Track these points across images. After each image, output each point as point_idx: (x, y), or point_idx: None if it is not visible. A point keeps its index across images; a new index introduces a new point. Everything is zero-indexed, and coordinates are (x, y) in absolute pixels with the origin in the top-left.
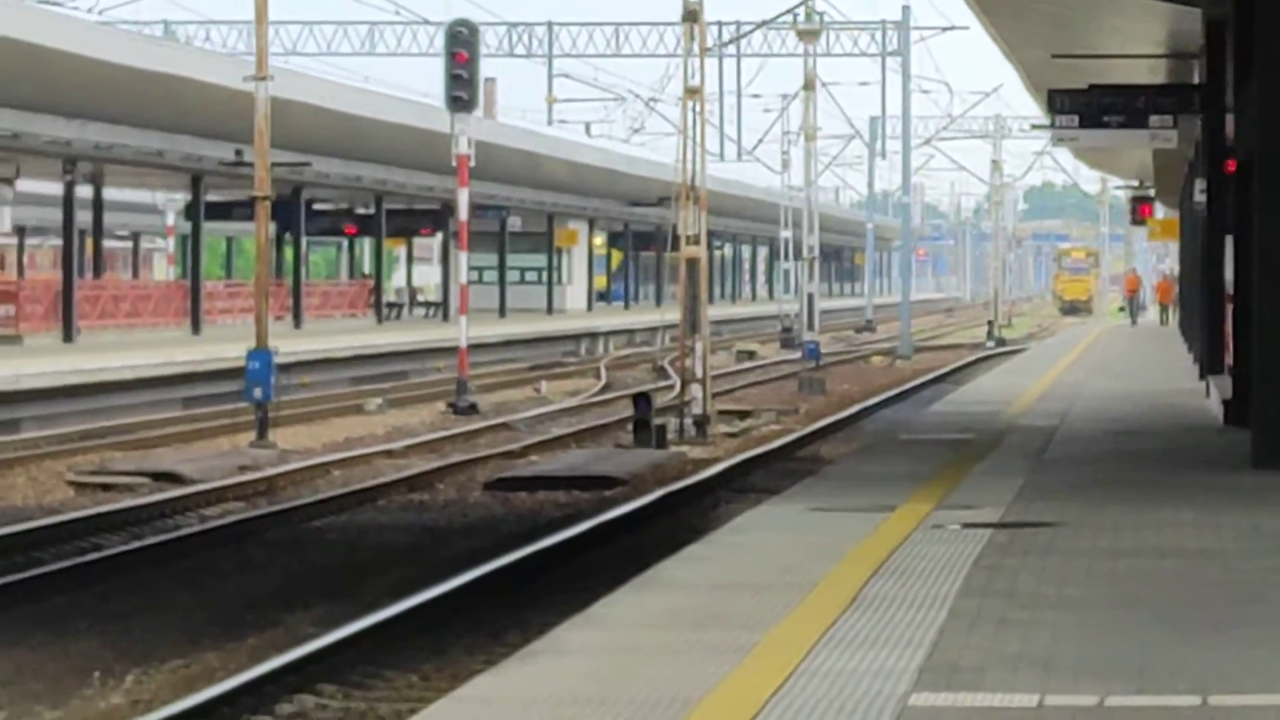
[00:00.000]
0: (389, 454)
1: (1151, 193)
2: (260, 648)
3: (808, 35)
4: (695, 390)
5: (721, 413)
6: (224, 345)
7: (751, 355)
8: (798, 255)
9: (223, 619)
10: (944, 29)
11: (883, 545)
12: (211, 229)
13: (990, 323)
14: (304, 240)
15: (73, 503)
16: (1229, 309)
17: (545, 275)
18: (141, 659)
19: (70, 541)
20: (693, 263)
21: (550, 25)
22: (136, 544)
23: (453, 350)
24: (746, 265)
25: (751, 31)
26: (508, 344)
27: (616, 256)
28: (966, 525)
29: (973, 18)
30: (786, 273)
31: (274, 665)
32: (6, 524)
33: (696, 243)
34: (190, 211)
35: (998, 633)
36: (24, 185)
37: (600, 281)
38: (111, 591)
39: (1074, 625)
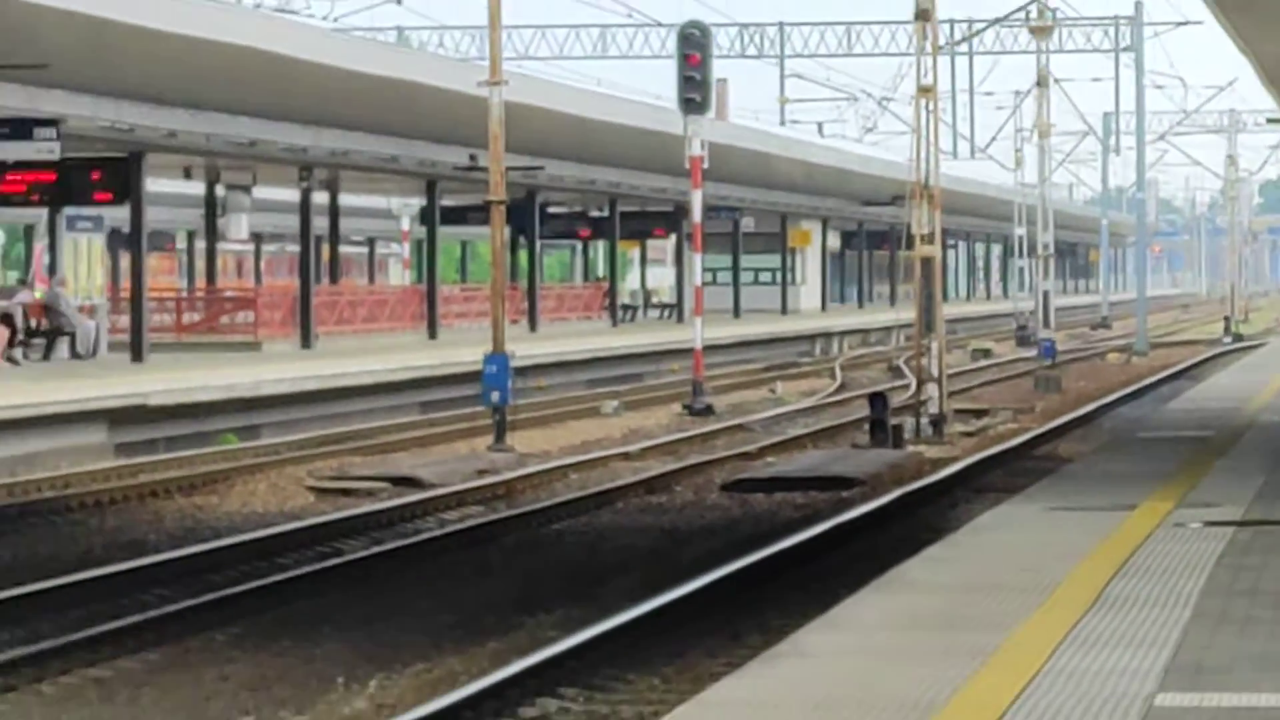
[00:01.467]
0: (626, 456)
1: None
2: (502, 651)
3: (1040, 32)
4: (931, 389)
5: (958, 412)
6: (460, 349)
7: (987, 354)
8: (1032, 252)
9: (464, 623)
10: (1178, 24)
11: (1124, 544)
12: (446, 233)
13: (1227, 318)
14: (538, 243)
15: (313, 508)
16: None
17: (779, 276)
18: (384, 663)
19: (312, 546)
20: (927, 261)
21: (781, 26)
22: (377, 548)
23: (688, 352)
24: (980, 263)
25: (984, 29)
26: (742, 345)
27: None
28: (1208, 524)
29: (1206, 12)
30: (1021, 270)
31: (516, 669)
32: (250, 529)
33: (931, 241)
34: (425, 216)
35: (1243, 632)
36: (260, 192)
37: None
38: (353, 596)
39: None
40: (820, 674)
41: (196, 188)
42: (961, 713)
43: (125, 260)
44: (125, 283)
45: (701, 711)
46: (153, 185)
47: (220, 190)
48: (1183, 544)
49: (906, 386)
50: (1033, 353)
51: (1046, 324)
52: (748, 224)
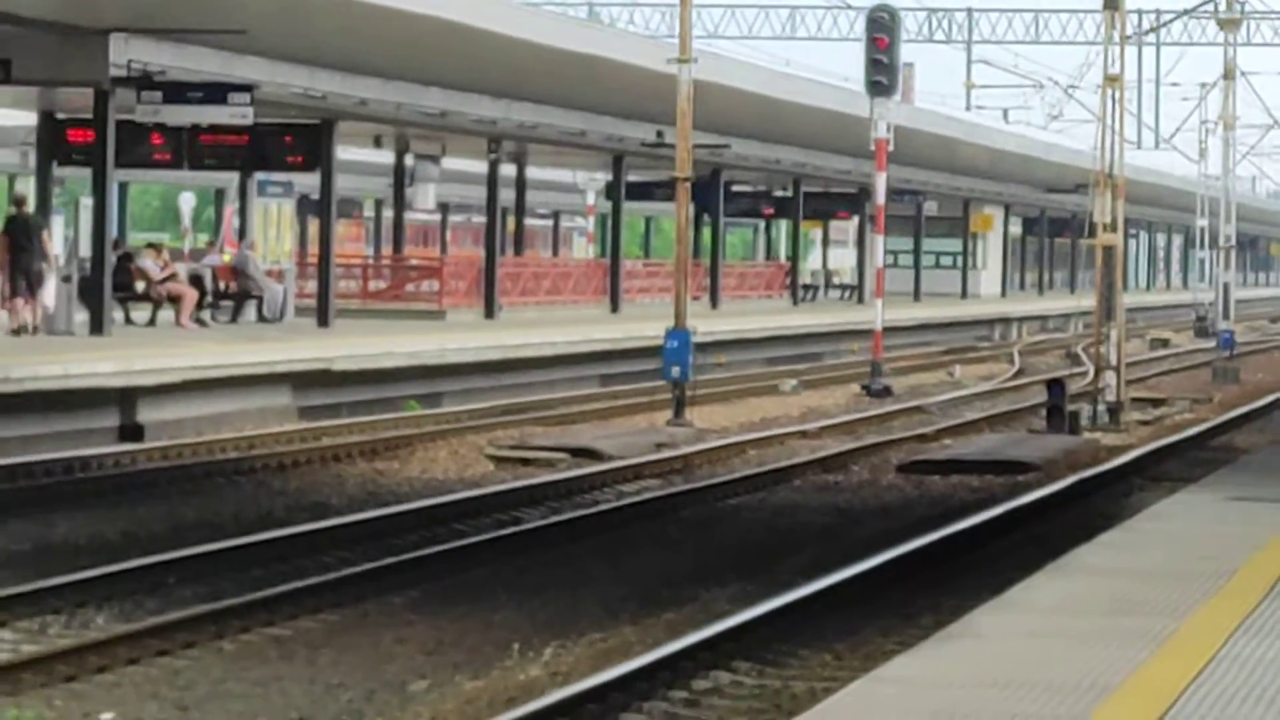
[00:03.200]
0: (803, 434)
1: None
2: (677, 623)
3: (1229, 24)
4: (1109, 377)
5: (1135, 400)
6: (642, 324)
7: (1165, 343)
8: (1213, 244)
9: (640, 594)
10: None
11: None
12: (631, 209)
13: None
14: (722, 221)
15: (492, 476)
16: None
17: (960, 260)
18: (560, 631)
19: (490, 514)
20: (1109, 250)
21: (970, 11)
22: (555, 518)
23: (867, 333)
24: (1161, 253)
25: (1172, 20)
26: (922, 327)
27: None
28: None
29: None
30: (1201, 261)
31: (690, 641)
32: (429, 495)
33: (1113, 230)
34: (611, 191)
35: None
36: (448, 163)
37: None
38: (530, 565)
39: None
40: (994, 654)
41: (386, 156)
42: (1134, 696)
43: (313, 226)
44: (313, 248)
45: (874, 688)
46: (343, 153)
47: (409, 160)
48: None
49: (1084, 373)
50: (1211, 344)
51: (1226, 315)
52: (930, 208)
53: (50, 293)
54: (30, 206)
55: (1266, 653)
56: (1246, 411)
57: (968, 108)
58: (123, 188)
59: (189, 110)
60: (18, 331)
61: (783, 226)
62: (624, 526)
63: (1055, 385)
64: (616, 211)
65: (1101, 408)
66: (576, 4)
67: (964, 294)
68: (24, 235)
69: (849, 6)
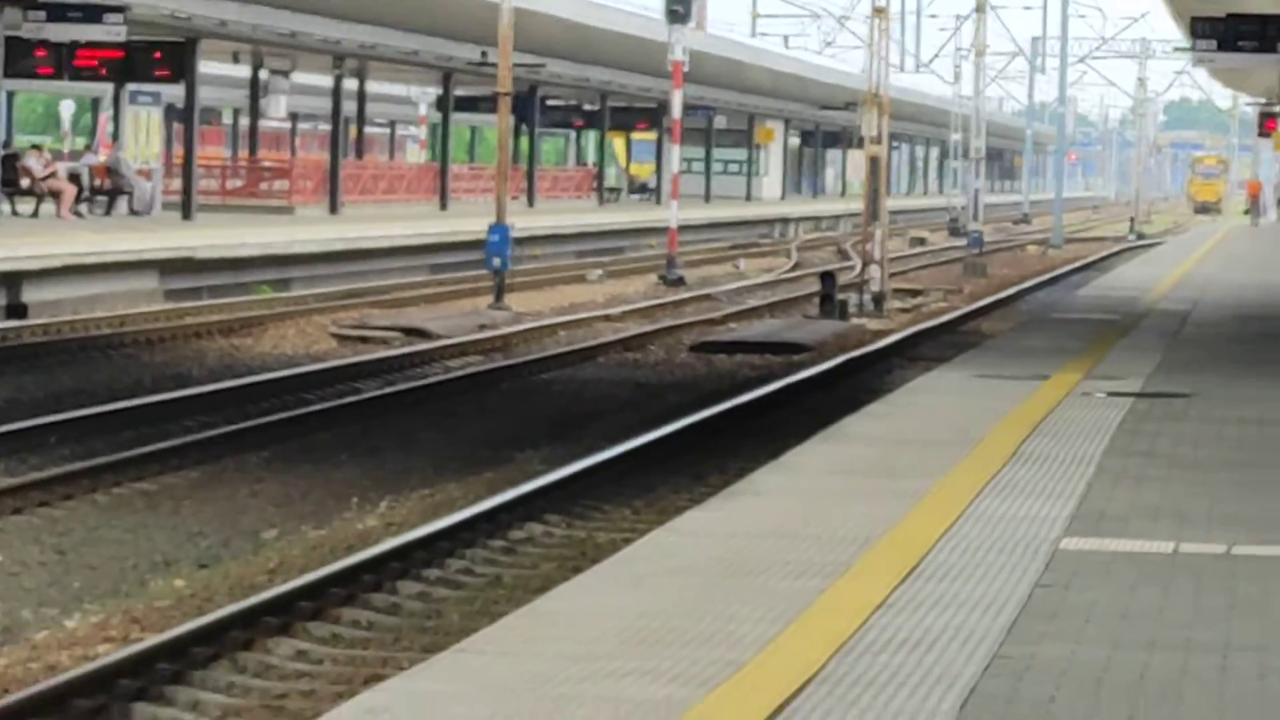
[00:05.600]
0: (607, 318)
1: (1278, 109)
2: (496, 481)
3: None
4: (874, 270)
5: (896, 291)
6: (468, 220)
7: (922, 242)
8: (965, 156)
9: (463, 456)
10: None
11: (1038, 409)
12: (458, 119)
13: (1132, 219)
14: (538, 131)
15: (335, 352)
16: None
17: (745, 168)
18: (393, 488)
19: (333, 385)
20: (875, 160)
21: None
22: (390, 389)
23: (664, 230)
24: (920, 164)
25: None
26: (712, 226)
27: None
28: (1111, 394)
29: None
30: (955, 171)
31: (507, 497)
32: (279, 368)
33: (879, 143)
34: (441, 104)
35: (1138, 488)
36: (298, 77)
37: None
38: (368, 429)
39: (1206, 482)
40: (772, 509)
41: (243, 71)
42: (894, 545)
43: (179, 132)
44: (178, 151)
45: (669, 536)
46: (205, 67)
47: (263, 74)
48: (1088, 410)
49: (852, 267)
50: (963, 242)
51: (975, 218)
52: (720, 122)
53: None
54: None
55: (1008, 510)
56: (992, 301)
57: (753, 34)
58: (10, 96)
59: (69, 28)
60: None
61: (591, 136)
62: (450, 397)
63: (827, 277)
64: (445, 122)
65: (867, 297)
66: None
67: (749, 197)
68: None
69: None
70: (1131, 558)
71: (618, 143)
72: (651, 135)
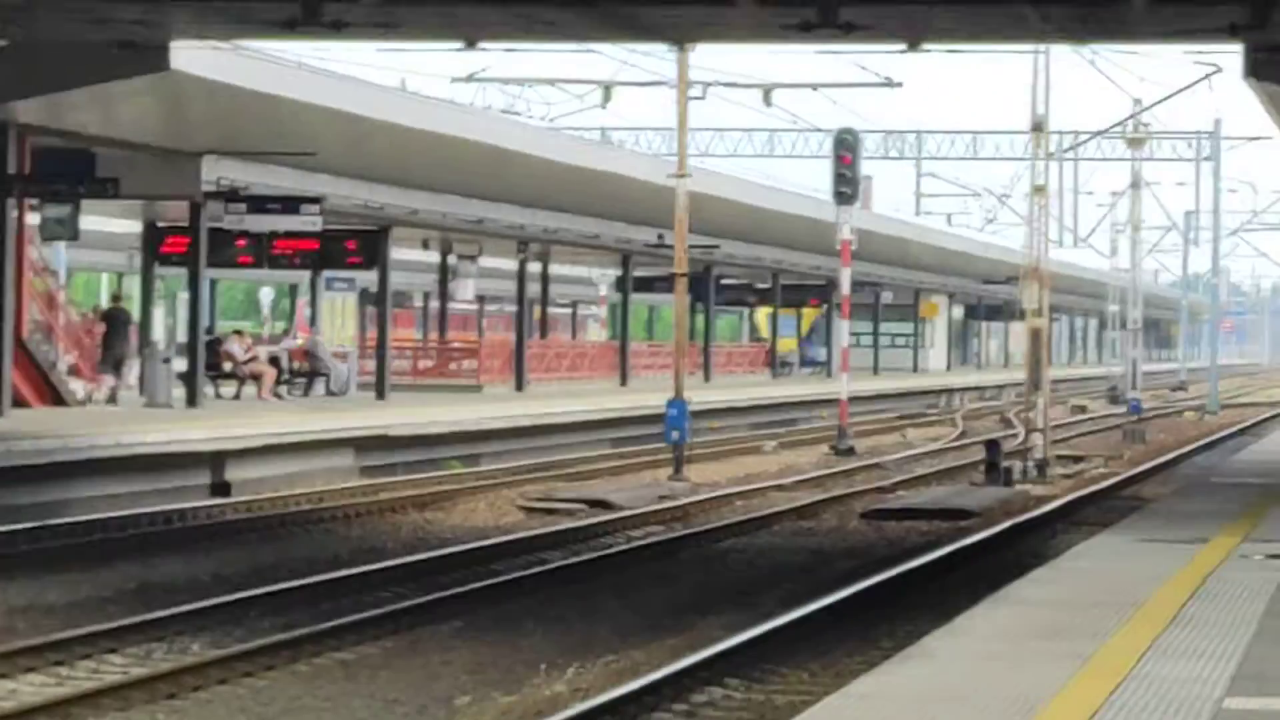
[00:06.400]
0: (781, 488)
1: None
2: (678, 647)
3: (1135, 143)
4: (1036, 438)
5: (1058, 457)
6: (647, 395)
7: (1083, 410)
8: (1123, 326)
9: (646, 623)
10: (1250, 138)
11: (1199, 572)
12: (637, 299)
13: None
14: (713, 309)
15: (523, 524)
16: None
17: (911, 340)
18: (580, 655)
19: (521, 556)
20: (1036, 331)
21: (919, 133)
22: (575, 559)
23: (834, 402)
24: (1079, 334)
25: (1088, 140)
26: (880, 397)
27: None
28: (1270, 556)
29: (1275, 129)
30: (1113, 341)
31: (690, 662)
32: (470, 540)
33: (1039, 315)
34: (620, 284)
35: None
36: (485, 261)
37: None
38: (555, 598)
39: None
40: (944, 672)
41: (433, 256)
42: (1062, 707)
43: (372, 315)
44: (372, 334)
45: (845, 702)
46: (397, 254)
47: (452, 259)
48: (1247, 573)
49: (1016, 435)
50: (1122, 410)
51: (1134, 385)
52: (887, 297)
53: (132, 374)
54: (124, 302)
55: (1171, 672)
56: (1151, 467)
57: (917, 213)
58: (213, 284)
59: (268, 219)
60: (110, 399)
61: (764, 313)
62: (633, 566)
63: (992, 445)
64: (625, 302)
65: (1030, 464)
66: (591, 128)
67: (915, 369)
68: (119, 324)
69: (818, 129)
70: None
71: (759, 316)
72: (818, 310)
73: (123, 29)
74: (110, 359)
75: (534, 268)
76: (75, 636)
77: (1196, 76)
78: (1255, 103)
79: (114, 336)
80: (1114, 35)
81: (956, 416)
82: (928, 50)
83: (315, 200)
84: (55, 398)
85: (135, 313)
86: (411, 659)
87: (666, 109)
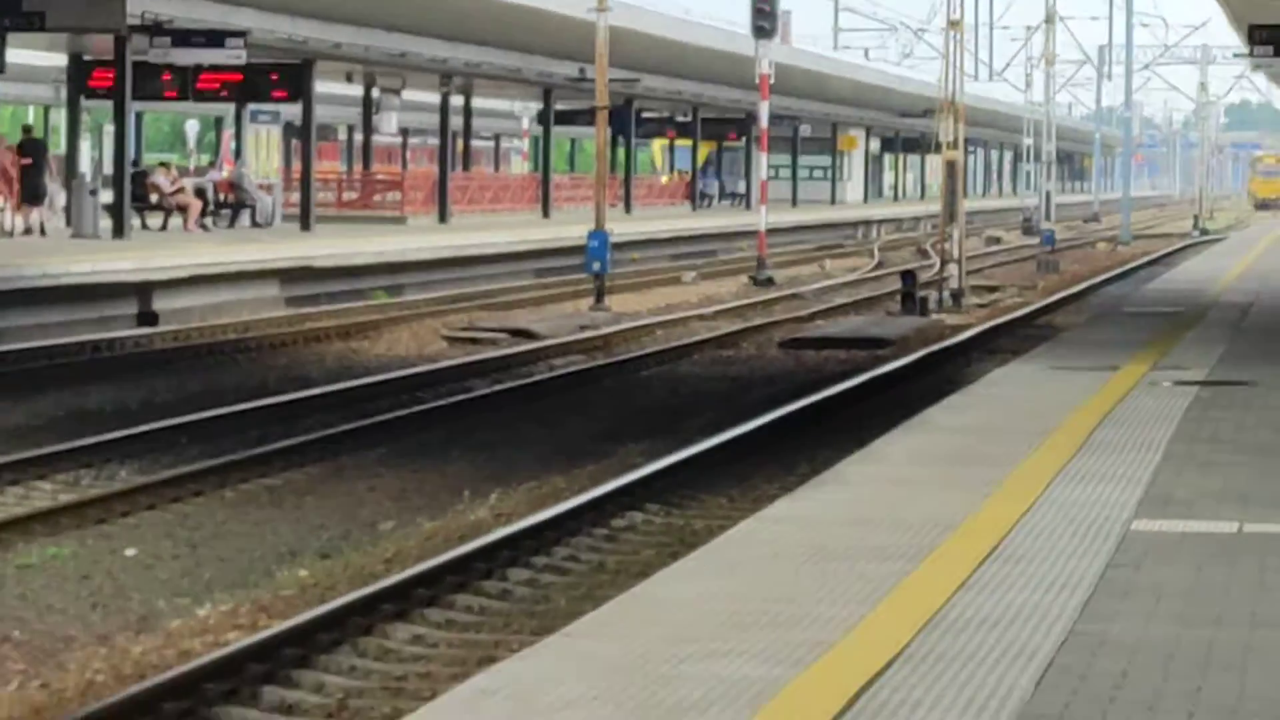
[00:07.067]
0: (701, 318)
1: None
2: (598, 473)
3: None
4: (952, 268)
5: (973, 287)
6: (568, 227)
7: (998, 241)
8: (1037, 159)
9: (568, 450)
10: None
11: (1108, 398)
12: (559, 132)
13: (1195, 216)
14: (634, 142)
15: (446, 353)
16: None
17: (829, 173)
18: (503, 481)
19: (445, 385)
20: (952, 164)
21: None
22: (498, 387)
23: (753, 234)
24: (994, 167)
25: None
26: (798, 229)
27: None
28: (1178, 383)
29: None
30: (1028, 173)
31: (609, 488)
32: (394, 369)
33: (955, 147)
34: (542, 118)
35: (1203, 472)
36: (408, 95)
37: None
38: (478, 426)
39: (1269, 467)
40: (858, 497)
41: (356, 90)
42: (974, 529)
43: (297, 148)
44: (296, 166)
45: (761, 525)
46: (320, 87)
47: (375, 92)
48: (1156, 399)
49: (932, 266)
50: (1036, 241)
51: (1048, 217)
52: (805, 130)
53: (58, 205)
54: (37, 133)
55: (1080, 495)
56: (1064, 296)
57: (835, 48)
58: (139, 116)
59: (192, 53)
60: (28, 231)
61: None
62: (555, 394)
63: (908, 275)
64: (546, 135)
65: (946, 294)
66: None
67: (833, 201)
68: (35, 155)
69: None
70: (1198, 538)
71: (655, 147)
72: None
73: None
74: (29, 189)
75: (457, 101)
76: (4, 463)
77: None
78: None
79: (31, 168)
80: None
81: (874, 248)
82: None
83: (240, 34)
84: None
85: (61, 146)
86: (337, 485)
87: None
